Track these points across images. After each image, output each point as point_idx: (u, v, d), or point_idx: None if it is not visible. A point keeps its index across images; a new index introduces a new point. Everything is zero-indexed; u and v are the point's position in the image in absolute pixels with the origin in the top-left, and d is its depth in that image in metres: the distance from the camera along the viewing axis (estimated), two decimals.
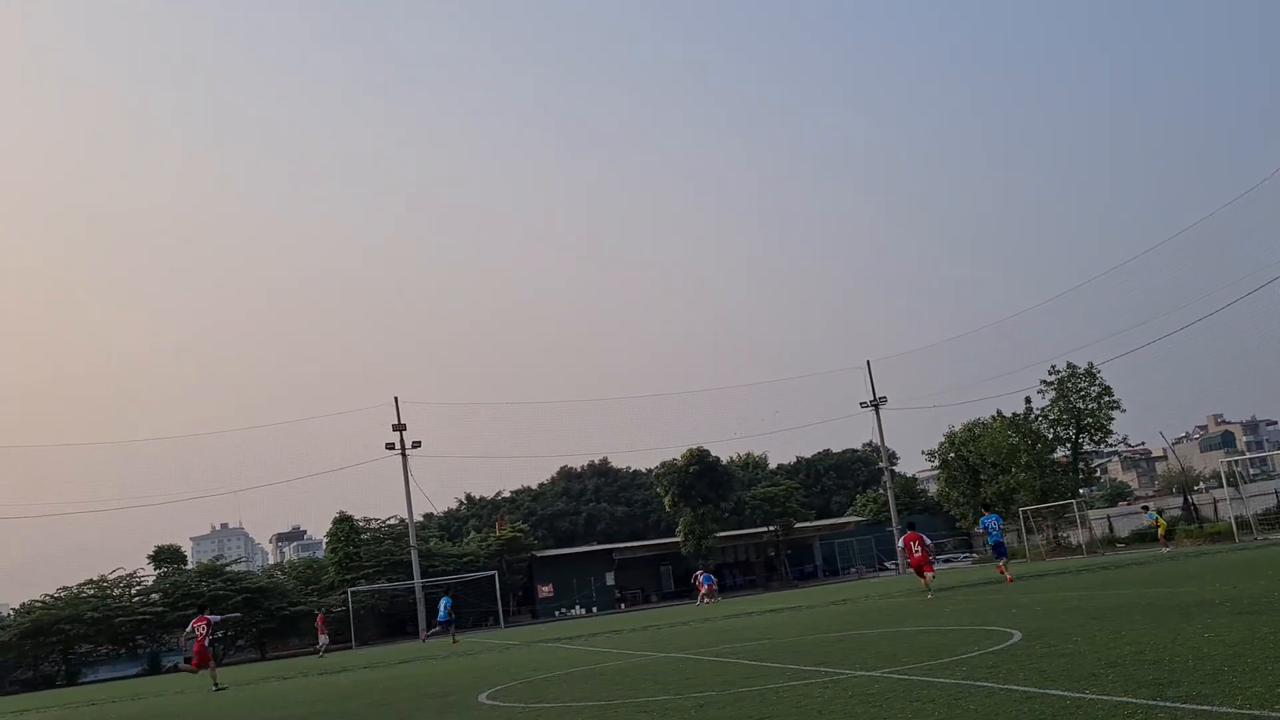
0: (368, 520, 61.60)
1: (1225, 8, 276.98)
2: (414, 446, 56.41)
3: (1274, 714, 6.09)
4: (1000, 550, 29.11)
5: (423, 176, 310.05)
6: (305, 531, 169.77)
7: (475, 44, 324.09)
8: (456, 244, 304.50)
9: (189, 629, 25.12)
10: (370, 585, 55.56)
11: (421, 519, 68.67)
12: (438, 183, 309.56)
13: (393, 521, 61.73)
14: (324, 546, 66.29)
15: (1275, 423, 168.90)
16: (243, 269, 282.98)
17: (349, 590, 53.99)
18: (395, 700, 15.21)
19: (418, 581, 55.51)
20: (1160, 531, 40.51)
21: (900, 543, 29.66)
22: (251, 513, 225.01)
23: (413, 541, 57.40)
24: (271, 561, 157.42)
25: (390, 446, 56.28)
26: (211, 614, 27.05)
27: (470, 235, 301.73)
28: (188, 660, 25.22)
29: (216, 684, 23.65)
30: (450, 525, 79.70)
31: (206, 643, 24.51)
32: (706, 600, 44.38)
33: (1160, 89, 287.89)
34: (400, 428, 56.20)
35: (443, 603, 41.02)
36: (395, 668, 24.41)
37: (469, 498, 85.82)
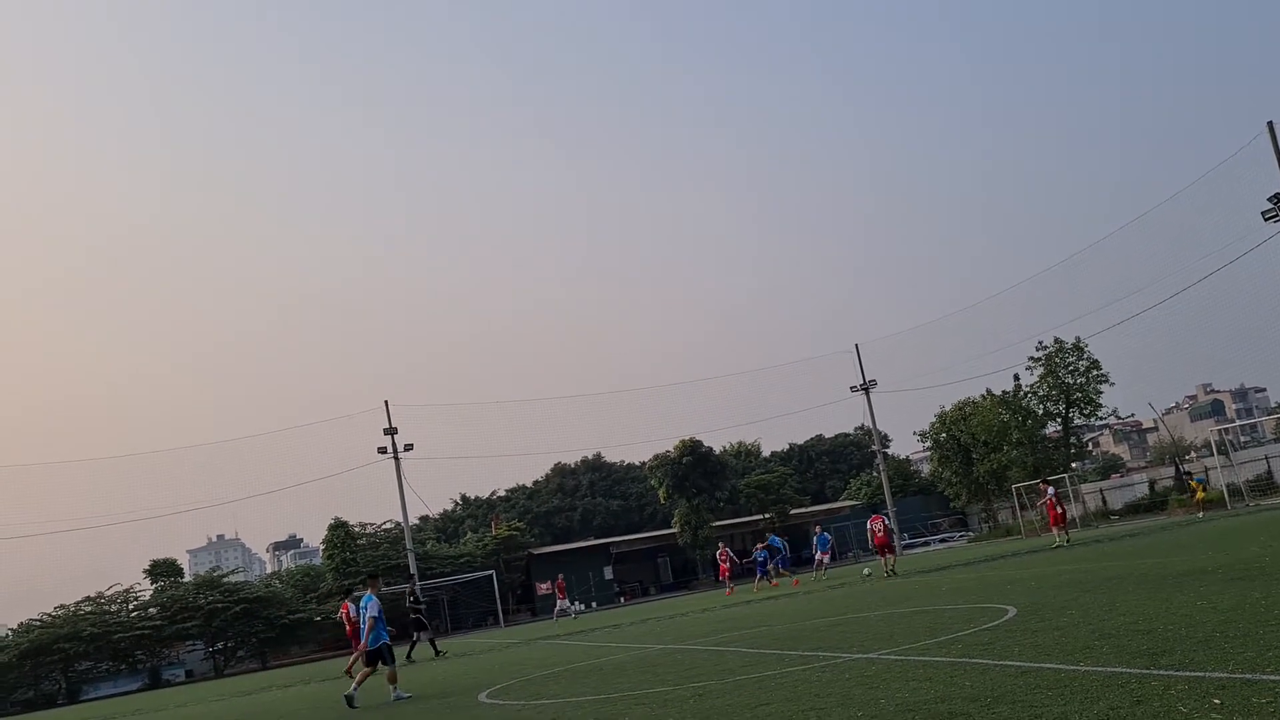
0: (363, 525, 61.44)
1: None
2: (406, 449, 56.24)
3: (1265, 678, 6.13)
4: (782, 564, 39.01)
5: (411, 180, 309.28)
6: (302, 539, 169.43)
7: (464, 49, 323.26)
8: (441, 247, 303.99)
9: None
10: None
11: (417, 522, 68.53)
12: (425, 186, 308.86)
13: (388, 526, 61.55)
14: (321, 553, 66.08)
15: (1264, 390, 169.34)
16: (231, 282, 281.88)
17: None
18: (397, 703, 15.21)
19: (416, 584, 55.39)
20: (1198, 495, 38.93)
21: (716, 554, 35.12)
22: (248, 523, 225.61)
23: (409, 544, 57.28)
24: (269, 570, 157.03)
25: (382, 450, 56.13)
26: None
27: (453, 237, 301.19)
28: None
29: None
30: (446, 527, 79.55)
31: None
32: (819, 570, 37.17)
33: (1138, 56, 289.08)
34: (392, 431, 55.98)
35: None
36: None
37: (464, 498, 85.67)
